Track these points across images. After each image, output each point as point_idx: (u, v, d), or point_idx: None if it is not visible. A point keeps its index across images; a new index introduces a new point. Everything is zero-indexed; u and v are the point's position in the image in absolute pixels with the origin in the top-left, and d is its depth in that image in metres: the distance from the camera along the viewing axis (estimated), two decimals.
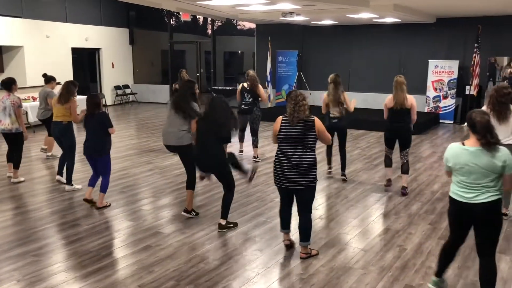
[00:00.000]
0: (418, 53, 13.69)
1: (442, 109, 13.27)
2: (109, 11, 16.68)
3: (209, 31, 17.82)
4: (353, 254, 4.72)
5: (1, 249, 4.79)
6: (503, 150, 3.47)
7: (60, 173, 7.21)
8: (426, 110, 13.19)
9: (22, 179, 7.32)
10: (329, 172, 7.69)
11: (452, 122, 13.19)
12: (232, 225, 5.41)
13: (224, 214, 5.31)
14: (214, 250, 4.81)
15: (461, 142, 3.59)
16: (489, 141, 3.42)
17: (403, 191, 6.67)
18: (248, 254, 4.71)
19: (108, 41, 16.81)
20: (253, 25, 16.52)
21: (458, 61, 12.90)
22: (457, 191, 3.59)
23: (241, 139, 9.26)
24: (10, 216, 5.79)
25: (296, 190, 4.44)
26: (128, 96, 17.72)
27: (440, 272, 4.00)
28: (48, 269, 4.36)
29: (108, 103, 15.42)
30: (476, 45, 12.21)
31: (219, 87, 16.95)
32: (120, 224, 5.56)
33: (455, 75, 12.88)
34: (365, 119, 12.10)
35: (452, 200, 3.66)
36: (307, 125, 4.37)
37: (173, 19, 18.57)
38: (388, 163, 6.88)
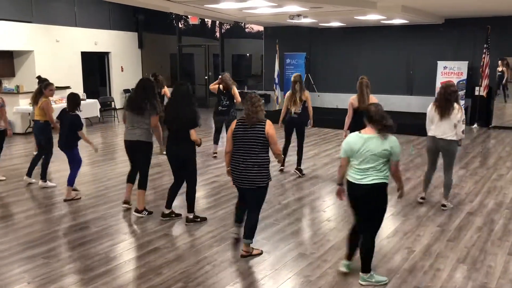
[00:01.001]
0: (426, 54, 13.61)
1: None
2: (117, 15, 16.81)
3: (217, 34, 17.92)
4: None
5: (12, 251, 4.84)
6: (391, 138, 3.95)
7: (29, 174, 7.35)
8: None
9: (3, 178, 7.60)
10: (281, 170, 7.90)
11: None
12: (199, 219, 5.62)
13: (191, 208, 5.54)
14: (222, 252, 4.82)
15: (358, 132, 4.06)
16: (385, 125, 3.90)
17: None
18: (256, 256, 4.71)
19: (117, 45, 16.94)
20: (261, 28, 16.57)
21: (467, 62, 12.80)
22: (351, 174, 4.05)
23: (216, 141, 9.09)
24: (20, 219, 5.85)
25: (247, 190, 4.59)
26: None
27: (350, 255, 4.31)
28: (57, 271, 4.40)
29: (117, 107, 15.51)
30: (485, 45, 12.13)
31: None
32: (128, 227, 5.60)
33: (465, 76, 12.79)
34: None
35: (347, 182, 4.11)
36: (259, 127, 4.50)
37: (182, 22, 18.70)
38: None
